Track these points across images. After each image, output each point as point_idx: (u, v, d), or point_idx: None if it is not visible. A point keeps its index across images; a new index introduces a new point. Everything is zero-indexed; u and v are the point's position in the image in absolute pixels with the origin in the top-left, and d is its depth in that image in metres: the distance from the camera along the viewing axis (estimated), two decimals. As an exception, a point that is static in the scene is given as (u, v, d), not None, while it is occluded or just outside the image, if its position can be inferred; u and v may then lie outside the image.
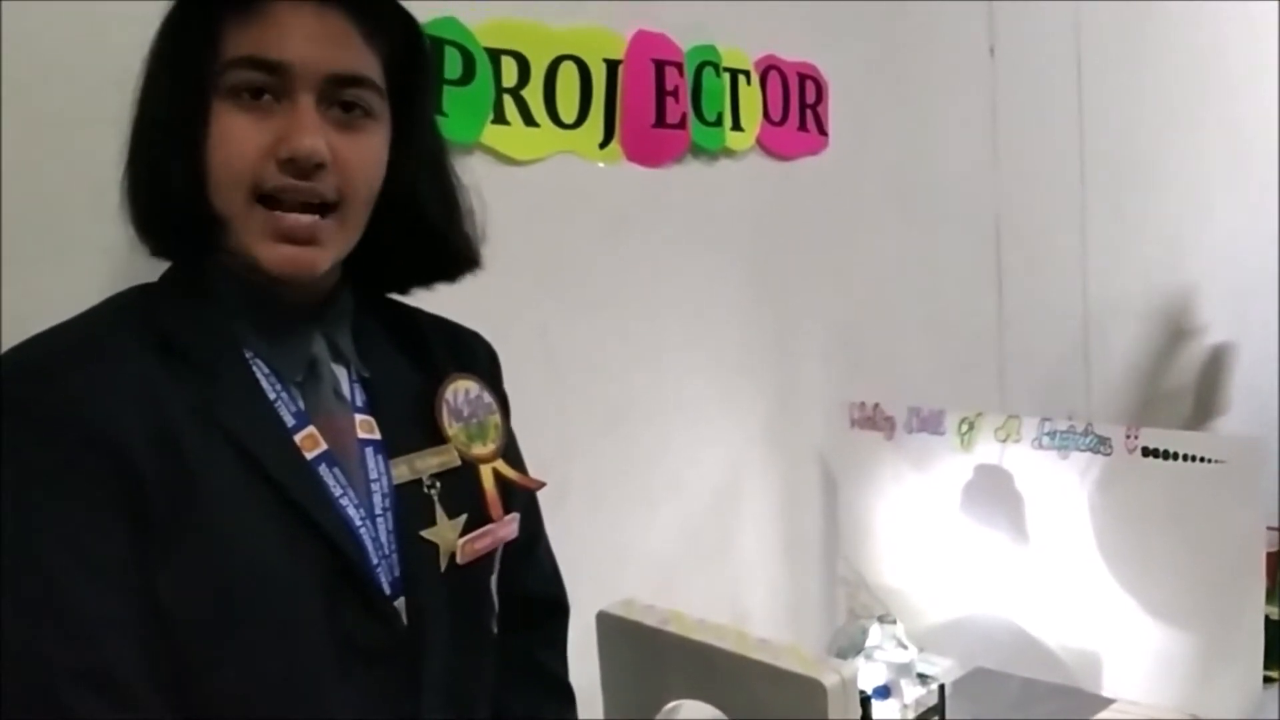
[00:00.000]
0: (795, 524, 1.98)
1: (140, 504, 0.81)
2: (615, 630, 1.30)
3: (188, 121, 0.85)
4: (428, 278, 1.02)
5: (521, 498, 1.05)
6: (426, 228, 0.97)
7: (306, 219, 0.86)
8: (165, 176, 0.85)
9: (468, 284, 1.48)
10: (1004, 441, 1.65)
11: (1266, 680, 1.48)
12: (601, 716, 1.32)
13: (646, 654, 1.26)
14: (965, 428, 1.70)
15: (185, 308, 0.89)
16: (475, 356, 1.07)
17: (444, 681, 0.93)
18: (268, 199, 0.85)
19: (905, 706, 1.39)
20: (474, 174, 1.45)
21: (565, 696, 1.15)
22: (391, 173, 0.93)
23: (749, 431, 1.91)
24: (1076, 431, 1.57)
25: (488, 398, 1.03)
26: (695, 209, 1.77)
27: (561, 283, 1.60)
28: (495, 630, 1.03)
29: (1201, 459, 1.45)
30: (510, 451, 1.05)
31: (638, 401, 1.72)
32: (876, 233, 2.14)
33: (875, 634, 1.44)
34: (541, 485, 1.08)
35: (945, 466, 1.73)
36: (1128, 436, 1.52)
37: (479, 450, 1.00)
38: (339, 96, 0.87)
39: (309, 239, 0.87)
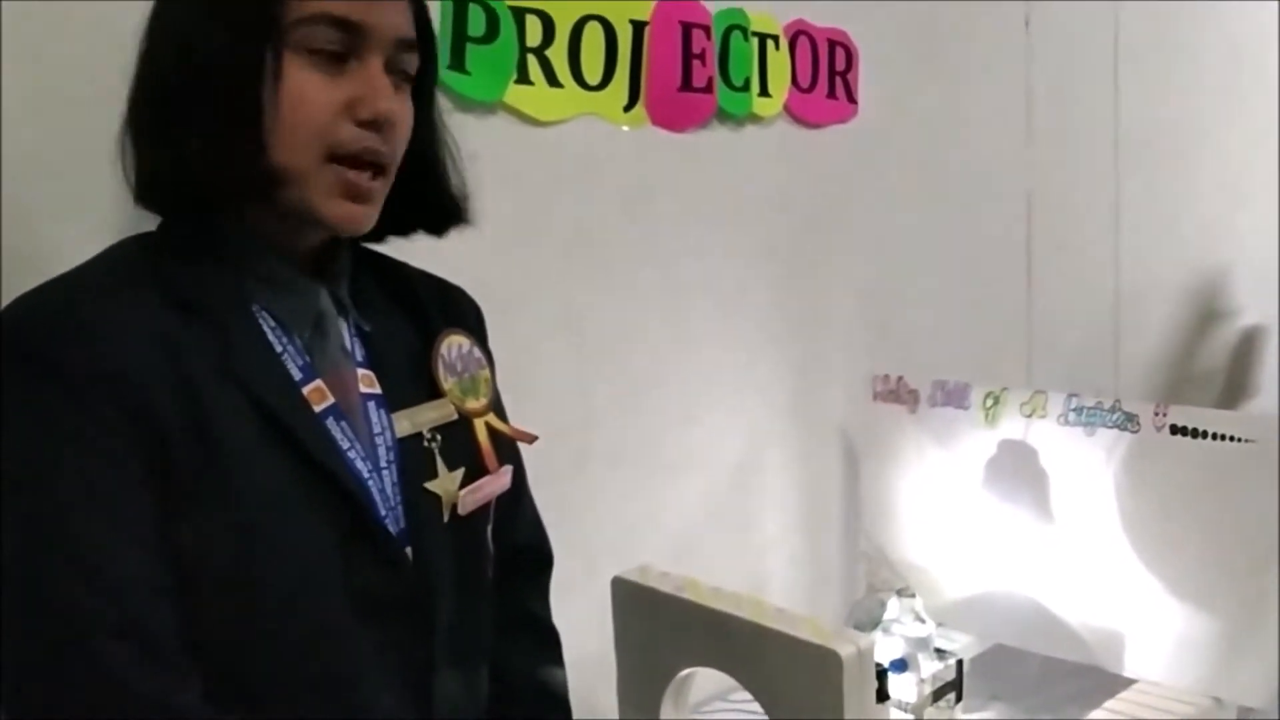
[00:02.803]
0: (817, 498, 1.97)
1: (163, 457, 0.81)
2: (630, 596, 1.29)
3: (255, 76, 0.83)
4: (414, 229, 1.03)
5: (507, 451, 1.07)
6: (435, 185, 0.99)
7: (368, 178, 0.88)
8: (231, 132, 0.83)
9: (492, 244, 1.47)
10: (1029, 417, 1.62)
11: (1292, 663, 1.45)
12: (615, 682, 1.31)
13: (661, 620, 1.24)
14: (990, 402, 1.67)
15: (191, 260, 0.88)
16: (463, 312, 1.08)
17: (449, 628, 0.95)
18: (338, 157, 0.87)
19: (922, 681, 1.38)
20: (496, 134, 1.46)
21: (556, 643, 1.17)
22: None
23: (772, 404, 1.89)
24: (1104, 408, 1.54)
25: (478, 353, 1.04)
26: (720, 175, 1.75)
27: (583, 246, 1.59)
28: (491, 579, 1.05)
29: (1231, 438, 1.42)
30: (497, 406, 1.06)
31: (659, 371, 1.70)
32: (905, 205, 2.11)
33: (893, 607, 1.42)
34: (534, 438, 1.09)
35: (969, 442, 1.71)
36: (1156, 414, 1.49)
37: (472, 404, 1.02)
38: (398, 61, 0.89)
39: (367, 197, 0.89)
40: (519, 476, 1.13)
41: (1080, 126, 2.56)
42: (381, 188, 0.90)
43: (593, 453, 1.60)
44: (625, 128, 1.59)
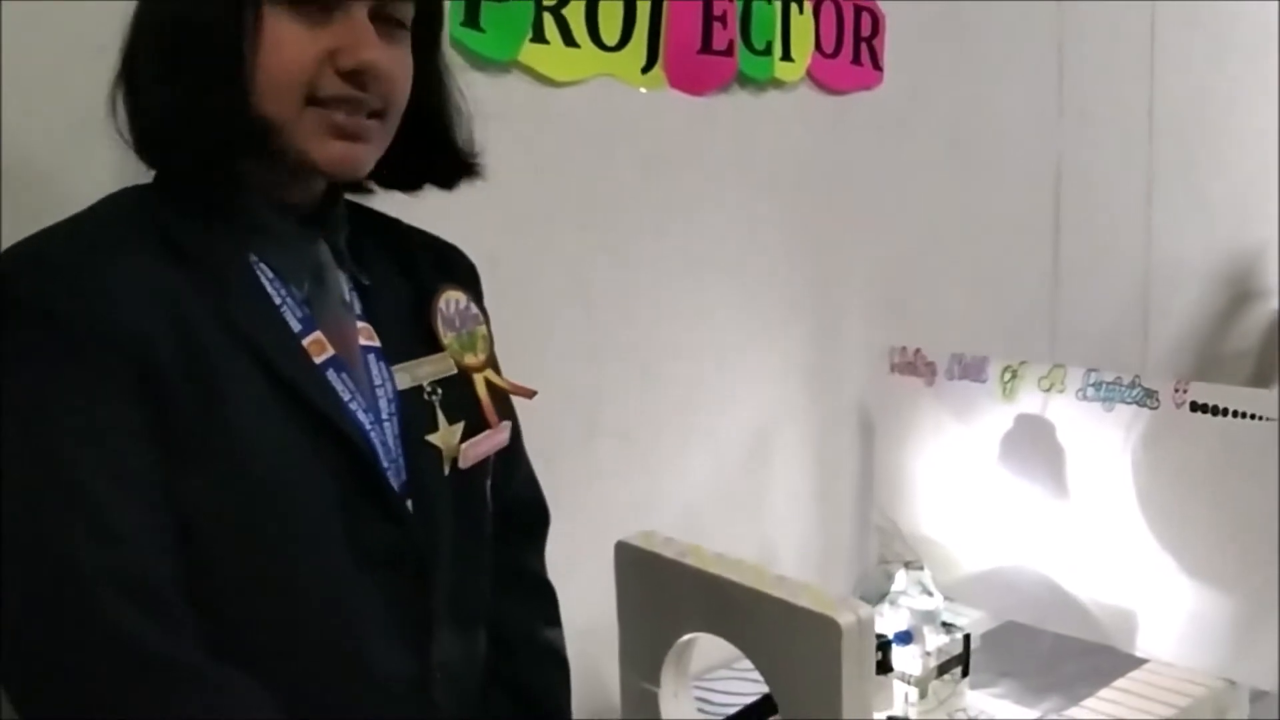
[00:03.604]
0: (832, 471, 1.95)
1: (166, 407, 0.81)
2: (633, 561, 1.28)
3: (240, 28, 0.83)
4: (420, 182, 1.03)
5: (504, 407, 1.06)
6: (440, 136, 0.99)
7: (361, 117, 0.88)
8: (214, 84, 0.84)
9: (503, 206, 1.46)
10: (1048, 391, 1.60)
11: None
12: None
13: (663, 586, 1.23)
14: (1008, 376, 1.65)
15: (188, 210, 0.88)
16: (458, 269, 1.09)
17: (449, 582, 0.95)
18: (318, 101, 0.86)
19: (928, 654, 1.36)
20: (510, 94, 1.45)
21: (553, 599, 1.17)
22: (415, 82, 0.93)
23: (788, 376, 1.87)
24: (1123, 384, 1.51)
25: (474, 309, 1.05)
26: (740, 140, 1.73)
27: (596, 211, 1.57)
28: (490, 534, 1.05)
29: (1251, 416, 1.39)
30: (494, 363, 1.06)
31: (672, 341, 1.68)
32: (930, 175, 2.08)
33: (901, 580, 1.40)
34: (533, 393, 1.09)
35: (986, 416, 1.68)
36: (1176, 390, 1.46)
37: (470, 360, 1.02)
38: (385, 10, 0.88)
39: (360, 136, 0.88)
40: (515, 433, 1.13)
41: (1114, 101, 2.51)
42: (379, 129, 0.89)
43: (603, 423, 1.58)
44: (643, 90, 1.57)
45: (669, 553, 1.24)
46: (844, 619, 1.05)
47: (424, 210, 1.12)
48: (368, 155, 0.90)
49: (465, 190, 1.40)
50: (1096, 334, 2.52)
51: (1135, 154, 2.60)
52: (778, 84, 1.75)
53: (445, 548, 0.95)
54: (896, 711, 1.23)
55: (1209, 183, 2.81)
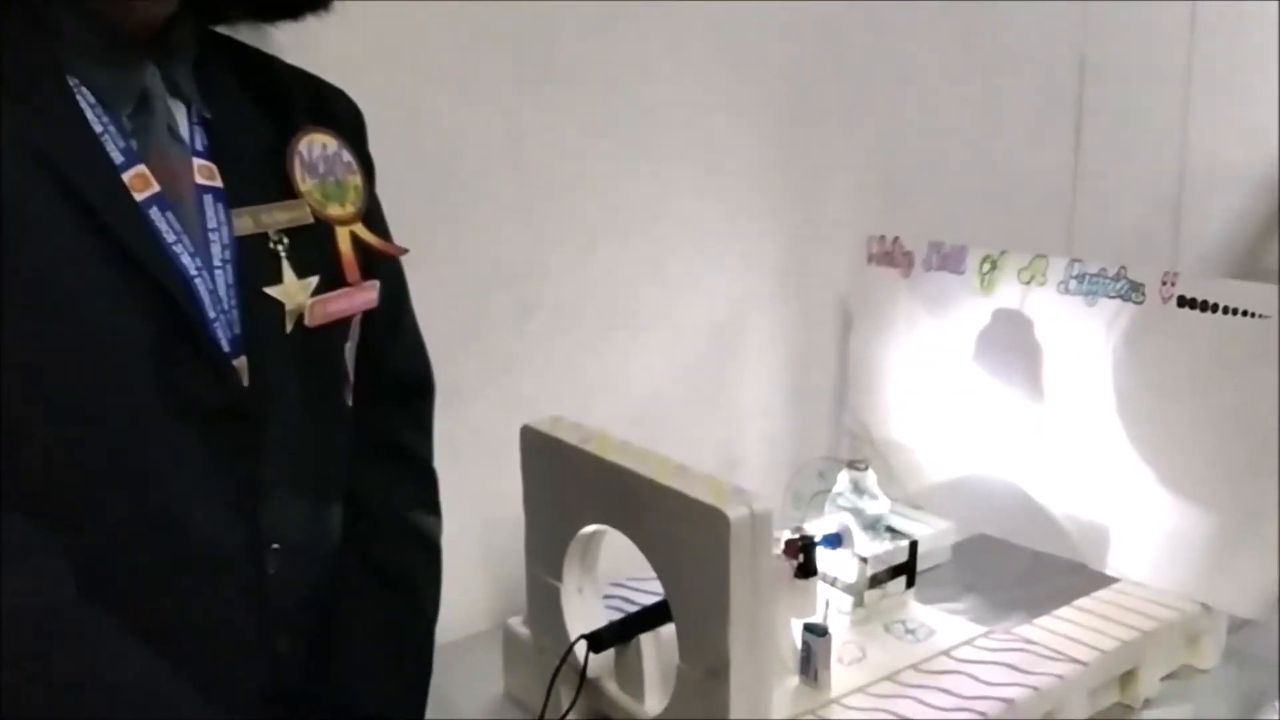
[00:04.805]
0: (804, 369, 1.82)
1: None
2: (537, 446, 1.18)
3: None
4: (267, 10, 0.95)
5: (385, 269, 0.98)
6: None
7: None
8: None
9: (423, 59, 1.34)
10: (1028, 284, 1.45)
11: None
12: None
13: (566, 475, 1.14)
14: (987, 267, 1.51)
15: (4, 28, 0.79)
16: (335, 114, 0.99)
17: (288, 447, 0.88)
18: None
19: (864, 560, 1.25)
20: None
21: (427, 476, 1.08)
22: None
23: (759, 265, 1.73)
24: (1107, 275, 1.37)
25: (347, 157, 0.95)
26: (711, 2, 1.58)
27: (537, 75, 1.43)
28: (350, 403, 0.97)
29: (1244, 312, 1.24)
30: (374, 218, 0.98)
31: (623, 217, 1.56)
32: (932, 55, 1.91)
33: (842, 480, 1.29)
34: (403, 251, 1.00)
35: (963, 309, 1.54)
36: (1163, 283, 1.31)
37: (335, 211, 0.93)
38: None
39: None
40: (399, 299, 1.05)
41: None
42: None
43: (539, 302, 1.47)
44: (595, -64, 1.43)
45: (572, 439, 1.15)
46: (734, 512, 0.95)
47: (330, 57, 1.03)
48: None
49: (379, 35, 1.29)
50: (1120, 241, 2.35)
51: (1174, 52, 2.39)
52: (755, -59, 1.60)
53: (284, 408, 0.88)
54: (819, 618, 1.13)
55: (1256, 87, 2.59)
